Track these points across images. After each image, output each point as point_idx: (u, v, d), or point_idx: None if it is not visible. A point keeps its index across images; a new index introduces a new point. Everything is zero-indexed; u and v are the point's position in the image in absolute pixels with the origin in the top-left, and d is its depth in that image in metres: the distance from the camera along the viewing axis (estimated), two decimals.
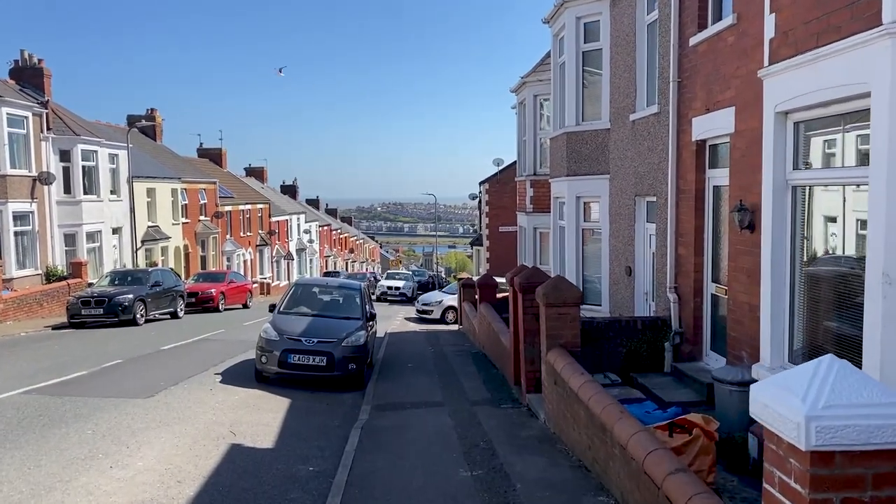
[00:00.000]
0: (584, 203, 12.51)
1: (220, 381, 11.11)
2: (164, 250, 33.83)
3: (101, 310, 19.19)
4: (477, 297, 15.35)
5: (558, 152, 13.11)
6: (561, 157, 12.90)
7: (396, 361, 13.60)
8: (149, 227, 32.48)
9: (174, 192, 35.47)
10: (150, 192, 32.91)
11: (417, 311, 26.63)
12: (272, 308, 12.07)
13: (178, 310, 22.72)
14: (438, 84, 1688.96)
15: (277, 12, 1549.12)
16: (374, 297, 39.66)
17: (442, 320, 24.35)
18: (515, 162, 39.22)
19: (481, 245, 37.55)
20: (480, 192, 41.86)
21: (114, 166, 29.43)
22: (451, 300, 25.05)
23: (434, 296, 26.73)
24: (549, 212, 16.08)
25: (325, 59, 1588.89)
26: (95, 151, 27.33)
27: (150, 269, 22.34)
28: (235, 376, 11.62)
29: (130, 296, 19.74)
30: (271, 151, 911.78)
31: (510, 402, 9.45)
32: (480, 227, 46.03)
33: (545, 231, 16.65)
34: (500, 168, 35.76)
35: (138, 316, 19.92)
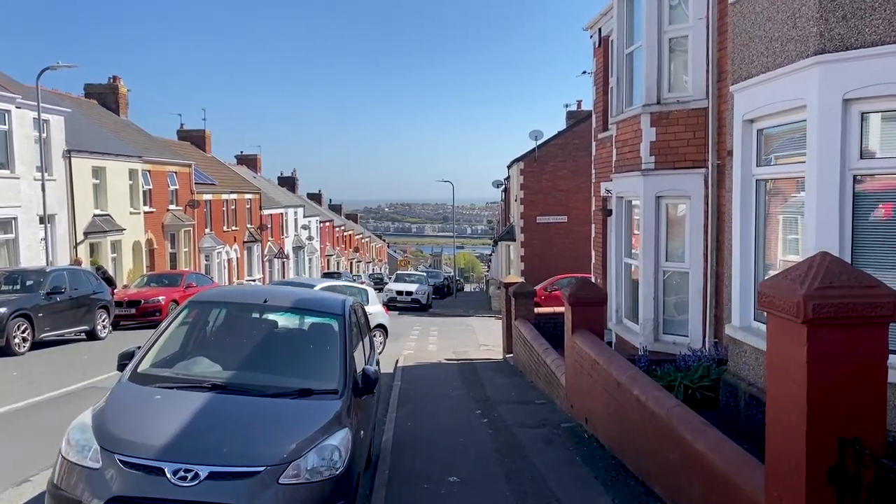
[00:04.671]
0: (863, 116, 5.44)
1: None
2: (117, 245, 26.91)
3: None
4: (568, 318, 8.23)
5: (787, 9, 5.95)
6: (796, 20, 5.78)
7: (421, 459, 6.53)
8: (95, 215, 25.55)
9: (133, 173, 28.54)
10: (98, 172, 25.99)
11: None
12: (125, 361, 4.93)
13: (99, 326, 15.75)
14: (446, 86, 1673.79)
15: (292, 13, 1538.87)
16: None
17: None
18: (571, 126, 31.39)
19: (512, 239, 30.37)
20: (509, 176, 34.77)
21: (43, 135, 22.53)
22: None
23: None
24: (693, 166, 9.01)
25: (327, 61, 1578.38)
26: (7, 112, 20.42)
27: (48, 269, 15.29)
28: None
29: (2, 310, 12.77)
30: (272, 150, 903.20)
31: None
32: (506, 219, 38.90)
33: (678, 202, 9.56)
34: (539, 143, 28.56)
35: (17, 340, 12.96)
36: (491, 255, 60.88)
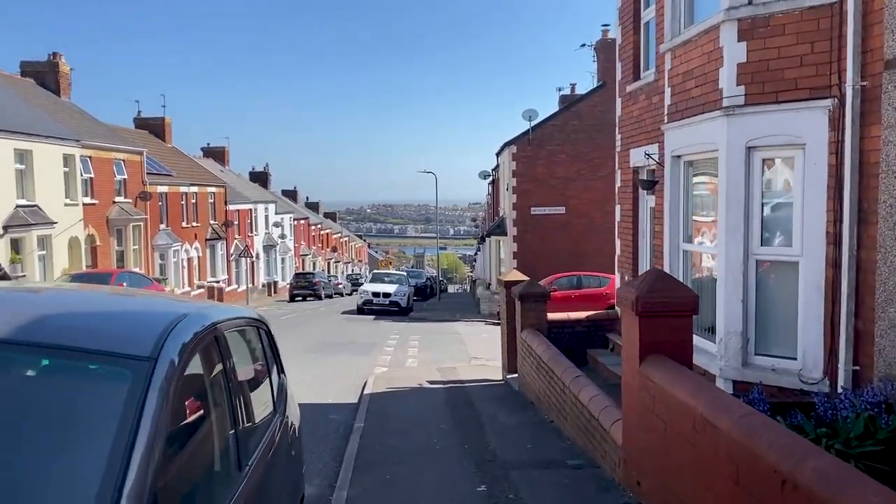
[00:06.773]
0: None
1: None
2: (46, 241, 23.18)
3: None
4: (632, 338, 4.96)
5: None
6: None
7: None
8: (18, 206, 21.85)
9: (68, 159, 24.84)
10: (23, 157, 22.28)
11: None
12: None
13: None
14: (430, 84, 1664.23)
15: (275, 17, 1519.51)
16: (354, 308, 28.09)
17: None
18: (569, 102, 27.57)
19: (503, 234, 27.04)
20: (498, 165, 31.52)
21: None
22: None
23: None
24: (810, 96, 5.80)
25: (308, 59, 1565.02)
26: None
27: None
28: None
29: None
30: (251, 149, 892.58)
31: None
32: (495, 214, 35.62)
33: (784, 154, 6.29)
34: (534, 123, 25.27)
35: None
36: (476, 254, 57.57)
